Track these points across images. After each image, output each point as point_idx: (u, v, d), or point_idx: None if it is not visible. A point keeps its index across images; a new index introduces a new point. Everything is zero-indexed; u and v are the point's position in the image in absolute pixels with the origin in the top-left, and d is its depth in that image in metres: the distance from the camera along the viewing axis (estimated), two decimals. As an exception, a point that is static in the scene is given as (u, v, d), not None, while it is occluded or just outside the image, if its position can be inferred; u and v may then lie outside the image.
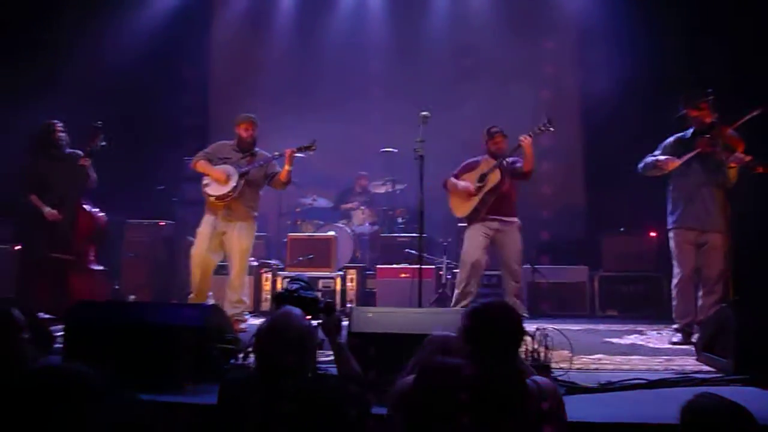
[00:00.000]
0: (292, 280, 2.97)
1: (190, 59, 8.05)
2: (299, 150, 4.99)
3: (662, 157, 4.63)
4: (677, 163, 4.55)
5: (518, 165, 5.18)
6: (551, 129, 4.92)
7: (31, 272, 5.21)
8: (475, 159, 5.35)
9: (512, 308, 2.06)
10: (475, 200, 5.17)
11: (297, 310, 2.09)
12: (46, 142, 5.22)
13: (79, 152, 5.19)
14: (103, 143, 5.18)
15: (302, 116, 7.51)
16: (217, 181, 4.97)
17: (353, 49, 8.11)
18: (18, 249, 6.54)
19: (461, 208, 5.29)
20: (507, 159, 5.16)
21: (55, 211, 5.09)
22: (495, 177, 5.10)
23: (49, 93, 6.85)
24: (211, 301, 5.01)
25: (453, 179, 5.31)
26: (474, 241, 5.16)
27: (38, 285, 5.08)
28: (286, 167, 5.01)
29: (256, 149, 5.19)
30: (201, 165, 5.08)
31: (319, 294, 6.19)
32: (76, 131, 5.40)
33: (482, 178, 5.17)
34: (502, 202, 5.17)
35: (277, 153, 5.08)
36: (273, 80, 8.14)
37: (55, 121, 5.29)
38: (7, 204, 6.38)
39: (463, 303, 5.04)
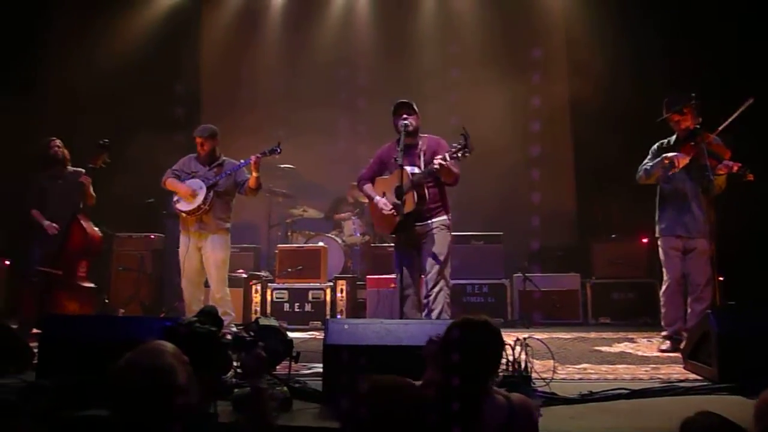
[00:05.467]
0: (201, 311, 2.75)
1: (180, 71, 8.04)
2: (264, 155, 4.88)
3: (671, 154, 4.45)
4: (687, 159, 4.39)
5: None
6: (468, 153, 4.01)
7: (21, 287, 5.25)
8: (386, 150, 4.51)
9: (495, 328, 2.03)
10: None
11: (167, 347, 1.68)
12: (44, 159, 5.34)
13: (81, 170, 5.29)
14: (108, 161, 5.23)
15: (292, 128, 7.52)
16: (185, 196, 4.97)
17: (341, 59, 8.14)
18: (7, 264, 6.56)
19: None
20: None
21: (55, 225, 5.19)
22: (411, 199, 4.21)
23: (39, 109, 6.89)
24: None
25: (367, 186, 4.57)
26: None
27: (27, 300, 5.09)
28: (254, 174, 4.93)
29: (223, 159, 5.14)
30: (170, 183, 5.08)
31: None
32: (75, 147, 5.49)
33: (400, 194, 4.19)
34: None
35: (243, 160, 5.01)
36: (263, 92, 8.17)
37: (53, 138, 5.39)
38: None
39: None
